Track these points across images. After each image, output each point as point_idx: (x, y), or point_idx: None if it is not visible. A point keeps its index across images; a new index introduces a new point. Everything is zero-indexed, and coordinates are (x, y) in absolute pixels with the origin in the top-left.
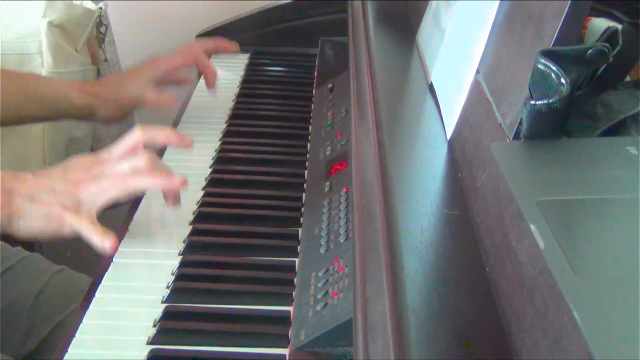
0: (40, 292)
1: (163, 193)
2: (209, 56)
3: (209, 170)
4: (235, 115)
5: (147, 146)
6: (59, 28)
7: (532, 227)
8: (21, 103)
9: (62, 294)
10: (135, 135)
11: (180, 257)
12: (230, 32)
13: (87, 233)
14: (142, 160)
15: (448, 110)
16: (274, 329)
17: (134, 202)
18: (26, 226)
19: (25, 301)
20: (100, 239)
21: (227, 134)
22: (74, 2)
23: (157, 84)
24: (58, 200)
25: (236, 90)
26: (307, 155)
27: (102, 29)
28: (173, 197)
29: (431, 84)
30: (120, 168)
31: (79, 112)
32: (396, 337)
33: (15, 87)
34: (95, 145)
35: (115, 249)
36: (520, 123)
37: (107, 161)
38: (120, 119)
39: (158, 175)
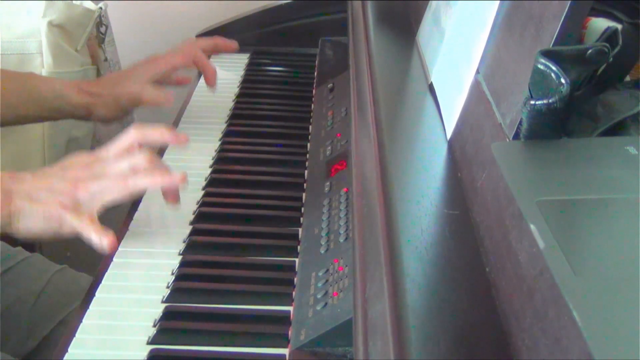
0: (41, 291)
1: (163, 192)
2: (209, 57)
3: (209, 170)
4: (235, 115)
5: (147, 145)
6: (59, 28)
7: (532, 227)
8: (19, 103)
9: (63, 292)
10: (130, 135)
11: (180, 257)
12: (230, 32)
13: (86, 232)
14: (141, 158)
15: (448, 110)
16: (274, 329)
17: (134, 202)
18: (26, 226)
19: (26, 300)
20: (99, 238)
21: (227, 134)
22: (74, 2)
23: (155, 83)
24: (57, 199)
25: (236, 90)
26: (307, 155)
27: (102, 29)
28: (173, 195)
29: (431, 84)
30: (119, 167)
31: (77, 111)
32: (396, 337)
33: (13, 86)
34: (95, 145)
35: (115, 248)
36: (520, 123)
37: (105, 159)
38: (120, 118)
39: (158, 174)
